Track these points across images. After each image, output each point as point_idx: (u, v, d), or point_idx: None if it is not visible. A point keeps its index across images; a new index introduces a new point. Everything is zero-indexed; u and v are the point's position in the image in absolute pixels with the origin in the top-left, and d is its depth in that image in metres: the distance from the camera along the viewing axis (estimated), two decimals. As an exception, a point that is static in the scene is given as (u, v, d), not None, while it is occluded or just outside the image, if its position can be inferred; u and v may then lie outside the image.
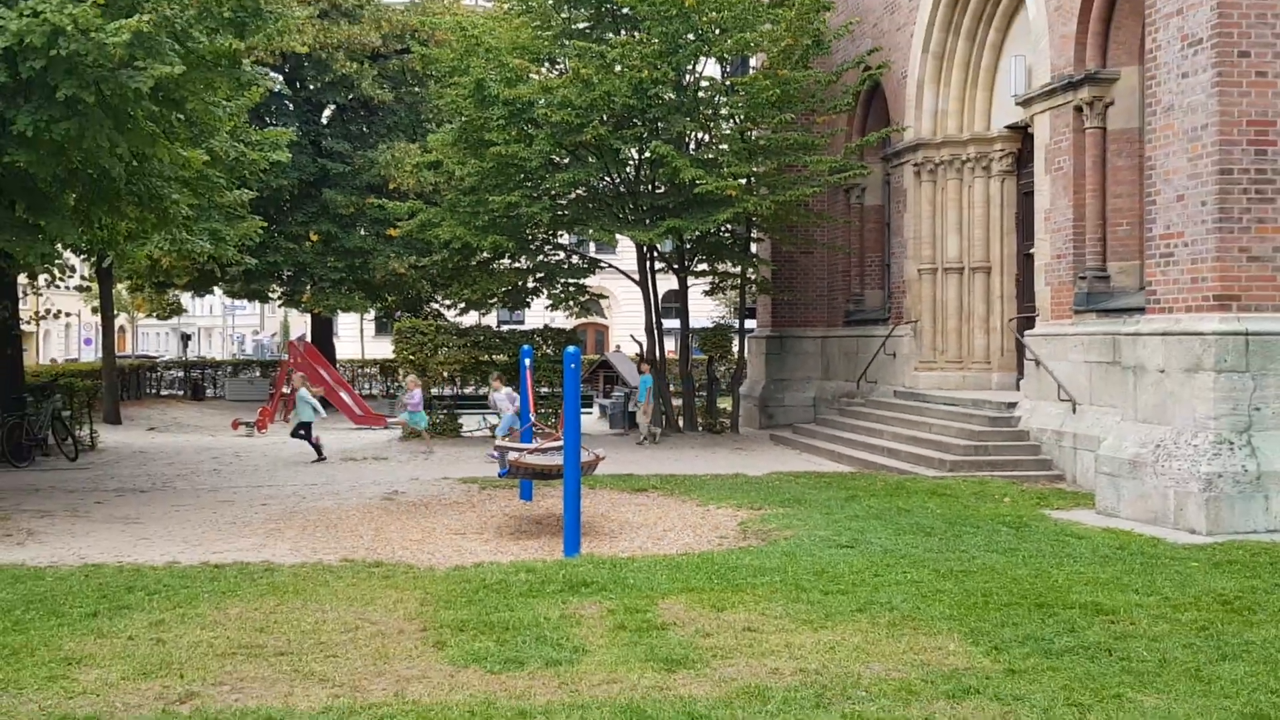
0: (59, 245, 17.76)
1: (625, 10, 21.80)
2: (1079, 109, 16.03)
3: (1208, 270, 12.17)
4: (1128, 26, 15.65)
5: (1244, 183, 12.06)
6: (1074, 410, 15.70)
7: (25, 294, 30.91)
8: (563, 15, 22.50)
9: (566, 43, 21.79)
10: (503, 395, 19.61)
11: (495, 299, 26.04)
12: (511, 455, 12.76)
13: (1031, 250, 18.03)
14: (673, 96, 20.90)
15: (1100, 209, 15.95)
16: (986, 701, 6.25)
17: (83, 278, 33.33)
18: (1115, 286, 15.79)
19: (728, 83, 22.02)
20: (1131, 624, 7.81)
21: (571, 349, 11.54)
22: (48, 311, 32.76)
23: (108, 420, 28.39)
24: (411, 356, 23.68)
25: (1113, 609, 8.18)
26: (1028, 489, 14.66)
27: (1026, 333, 17.65)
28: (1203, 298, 12.24)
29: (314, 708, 6.17)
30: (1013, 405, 17.43)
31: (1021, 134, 19.15)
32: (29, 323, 35.14)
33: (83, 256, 27.82)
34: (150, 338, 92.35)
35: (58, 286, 31.37)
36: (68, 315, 46.04)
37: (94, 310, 36.33)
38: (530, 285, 25.05)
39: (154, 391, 40.40)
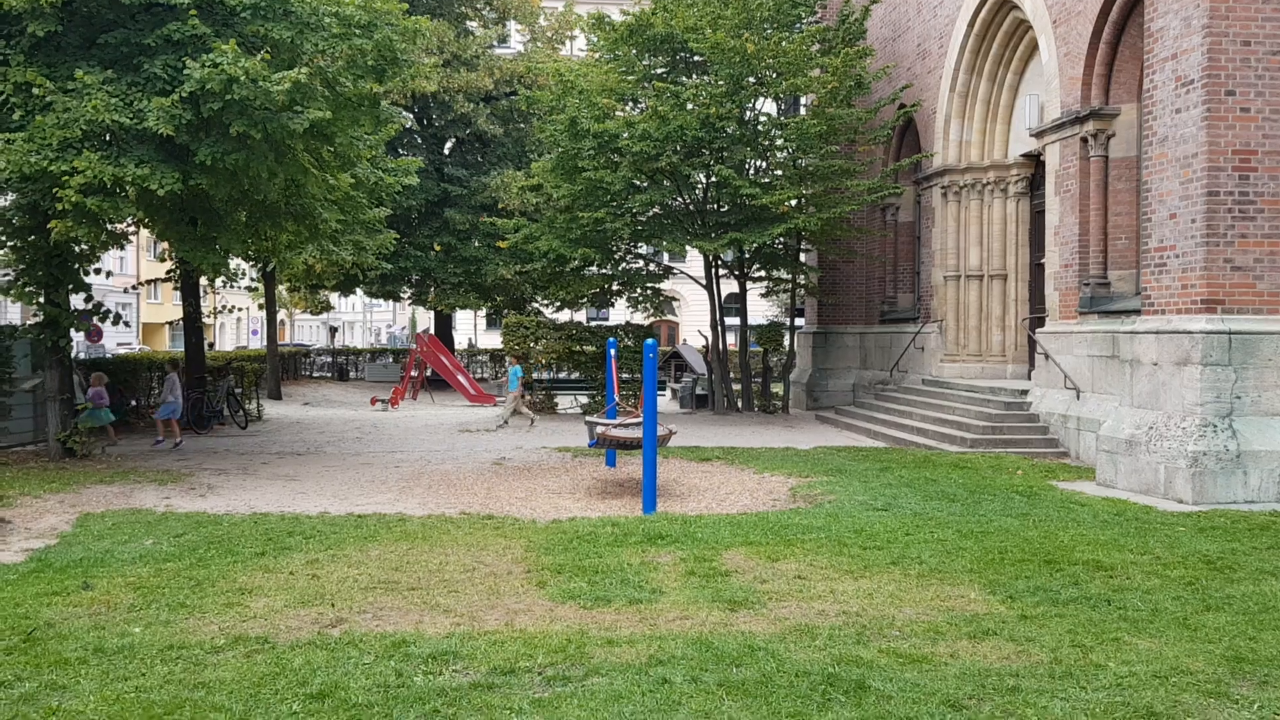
0: (229, 255, 18.16)
1: (697, 58, 21.75)
2: (1085, 140, 15.66)
3: (1196, 278, 11.84)
4: (1128, 69, 15.26)
5: (1229, 203, 11.73)
6: (1078, 397, 15.36)
7: (206, 293, 31.65)
8: (643, 62, 22.46)
9: (646, 85, 21.75)
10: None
11: (585, 299, 26.12)
12: (599, 429, 12.80)
13: (1042, 260, 17.65)
14: (735, 130, 20.77)
15: (1103, 225, 15.60)
16: (1003, 642, 6.15)
17: (251, 279, 34.01)
18: (1115, 291, 15.42)
19: (782, 119, 21.82)
20: (1127, 579, 7.64)
21: (650, 341, 11.53)
22: (224, 307, 33.45)
23: (271, 396, 28.98)
24: (516, 346, 23.86)
25: (1111, 566, 8.00)
26: (1037, 463, 14.37)
27: (1037, 331, 17.28)
28: (1191, 301, 11.91)
29: (440, 633, 6.25)
30: (1025, 392, 17.08)
31: (1034, 161, 18.80)
32: (209, 316, 35.97)
33: (251, 262, 28.40)
34: (304, 330, 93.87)
35: (231, 287, 32.05)
36: (239, 310, 47.03)
37: (260, 306, 36.98)
38: (614, 289, 25.09)
39: (307, 373, 41.13)
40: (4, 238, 14.82)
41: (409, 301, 40.46)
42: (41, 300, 14.86)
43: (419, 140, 34.96)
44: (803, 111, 24.40)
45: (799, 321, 26.45)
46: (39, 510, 10.88)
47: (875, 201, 22.00)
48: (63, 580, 7.63)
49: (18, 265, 14.88)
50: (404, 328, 76.97)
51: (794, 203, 20.30)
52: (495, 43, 35.07)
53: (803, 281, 23.66)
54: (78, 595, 7.12)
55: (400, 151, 32.88)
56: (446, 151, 35.46)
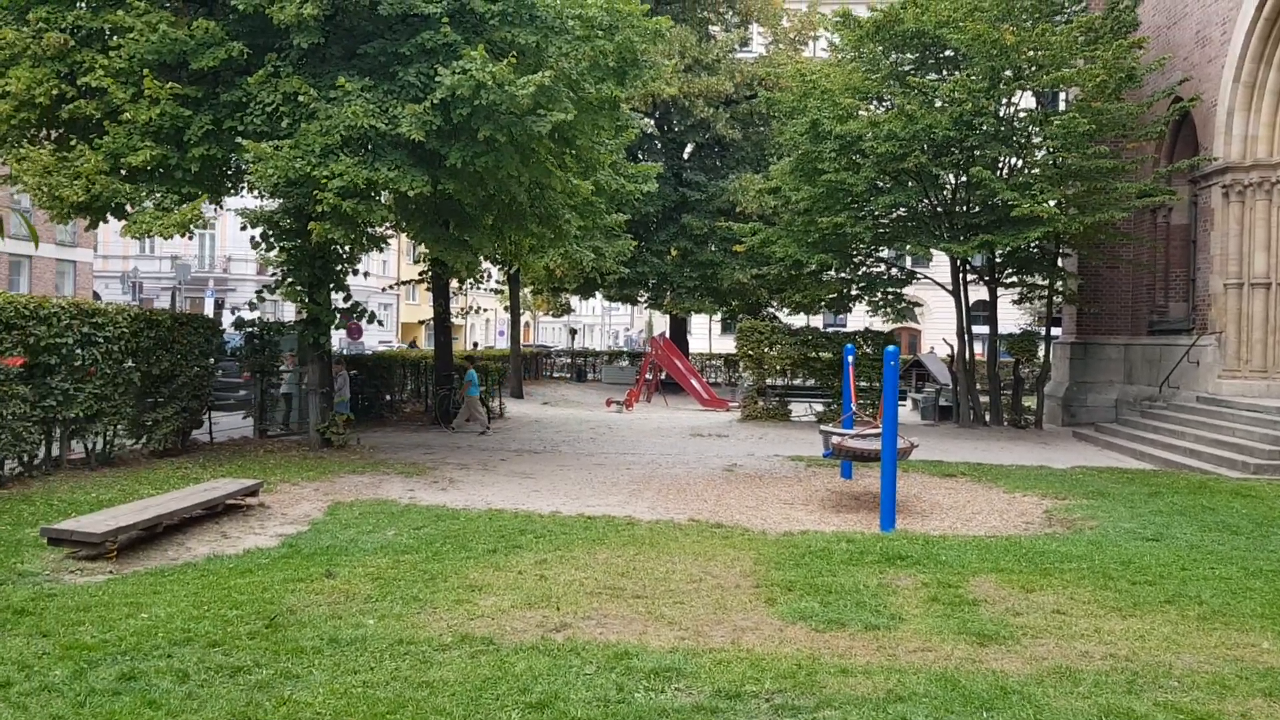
0: (480, 256, 18.81)
1: (947, 53, 20.71)
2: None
3: None
4: None
5: None
6: (1390, 421, 13.43)
7: (455, 295, 33.15)
8: (890, 59, 21.60)
9: (893, 83, 20.89)
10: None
11: (822, 304, 25.47)
12: (835, 439, 12.25)
13: (1345, 266, 15.60)
14: (990, 127, 19.60)
15: None
16: (1309, 705, 5.25)
17: (497, 281, 35.42)
18: None
19: (1043, 115, 20.40)
20: None
21: (891, 348, 10.91)
22: (472, 308, 34.97)
23: (513, 395, 29.98)
24: (750, 351, 23.52)
25: None
26: (1337, 495, 12.65)
27: (1338, 345, 15.27)
28: None
29: (663, 647, 5.99)
30: (1321, 414, 15.15)
31: (1336, 155, 16.64)
32: (458, 316, 37.71)
33: (498, 265, 29.51)
34: (546, 331, 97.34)
35: (478, 288, 33.47)
36: (487, 311, 49.12)
37: (505, 308, 38.47)
38: (853, 293, 24.31)
39: (548, 373, 42.47)
40: (274, 239, 15.91)
41: (645, 305, 40.93)
42: (305, 299, 15.83)
43: (658, 145, 35.29)
44: (1060, 106, 22.84)
45: (1054, 331, 24.72)
46: (296, 497, 11.50)
47: (1146, 204, 20.20)
48: (308, 567, 7.93)
49: (285, 266, 15.93)
50: (640, 331, 78.30)
51: (1053, 204, 18.89)
52: (737, 46, 34.92)
53: (1060, 288, 22.04)
54: (320, 583, 7.35)
55: (640, 157, 33.28)
56: (685, 156, 35.61)
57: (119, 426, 13.52)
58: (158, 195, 13.84)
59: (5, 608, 6.60)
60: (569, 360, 45.06)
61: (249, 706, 4.92)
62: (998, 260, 22.12)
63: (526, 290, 42.02)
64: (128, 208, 14.55)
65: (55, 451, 12.58)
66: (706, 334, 58.67)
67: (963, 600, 7.14)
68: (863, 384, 21.85)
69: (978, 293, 25.07)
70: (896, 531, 9.95)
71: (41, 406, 11.85)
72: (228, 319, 20.64)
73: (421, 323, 62.72)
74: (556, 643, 6.03)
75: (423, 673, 5.45)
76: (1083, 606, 7.09)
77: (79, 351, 12.38)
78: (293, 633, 6.10)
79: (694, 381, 30.81)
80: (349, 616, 6.49)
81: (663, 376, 31.92)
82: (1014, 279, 23.24)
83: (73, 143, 13.94)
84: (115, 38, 13.61)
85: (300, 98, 13.09)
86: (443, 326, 23.95)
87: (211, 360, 15.99)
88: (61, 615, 6.46)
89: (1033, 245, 20.79)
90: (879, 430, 12.17)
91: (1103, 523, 10.44)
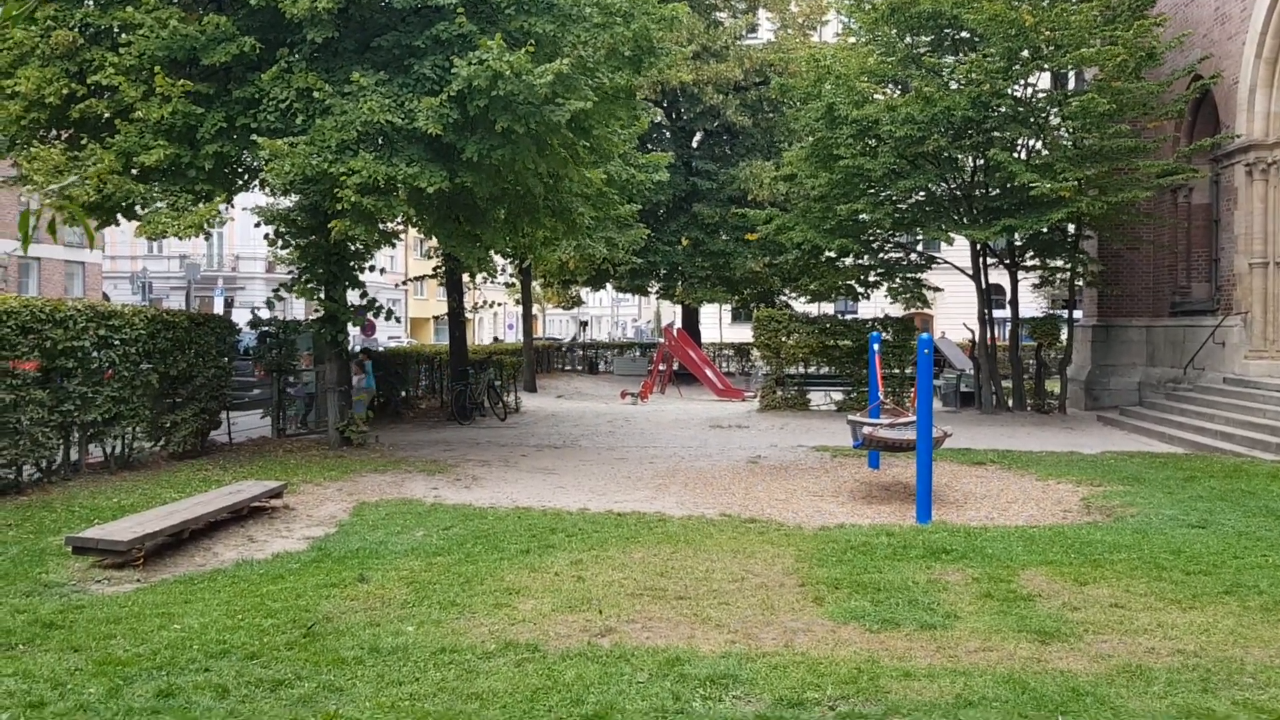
0: (492, 250, 18.59)
1: (964, 34, 20.39)
2: None
3: None
4: None
5: None
6: None
7: (466, 289, 32.97)
8: (905, 41, 21.29)
9: (909, 66, 20.59)
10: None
11: (839, 291, 25.20)
12: (865, 429, 12.02)
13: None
14: (1008, 108, 19.30)
15: None
16: (1395, 703, 5.03)
17: (509, 275, 35.19)
18: None
19: (1063, 96, 20.09)
20: None
21: (924, 336, 10.66)
22: (483, 302, 34.75)
23: (527, 389, 29.77)
24: (768, 340, 23.27)
25: None
26: (1377, 477, 12.39)
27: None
28: None
29: (714, 651, 5.78)
30: (1354, 394, 14.88)
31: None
32: (470, 311, 37.52)
33: (509, 259, 29.29)
34: (554, 324, 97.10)
35: (490, 282, 33.22)
36: (497, 306, 48.90)
37: (516, 301, 38.26)
38: (871, 279, 24.03)
39: (560, 366, 42.24)
40: (289, 237, 15.70)
41: (656, 295, 40.66)
42: (321, 296, 15.63)
43: (668, 134, 34.99)
44: (1072, 84, 22.50)
45: (1075, 314, 24.44)
46: (320, 498, 11.31)
47: (1167, 184, 19.89)
48: (340, 571, 7.74)
49: (300, 263, 15.73)
50: (649, 322, 78.08)
51: (1075, 184, 18.59)
52: (745, 32, 34.58)
53: (1081, 271, 21.73)
54: (354, 588, 7.16)
55: (649, 147, 32.99)
56: (695, 145, 35.32)
57: (138, 429, 13.34)
58: (171, 194, 13.63)
59: (34, 621, 6.42)
60: (580, 353, 44.83)
61: (294, 724, 4.73)
62: (1018, 244, 21.83)
63: (536, 283, 41.83)
64: (138, 208, 14.36)
65: (74, 456, 12.40)
66: (717, 323, 58.40)
67: (1016, 595, 6.92)
68: (884, 371, 21.62)
69: (996, 277, 24.79)
70: (934, 523, 9.73)
71: (59, 411, 11.67)
72: (238, 318, 20.46)
73: (434, 318, 62.55)
74: (604, 649, 5.83)
75: (469, 683, 5.25)
76: (1140, 599, 6.87)
77: (96, 354, 12.19)
78: (331, 642, 5.90)
79: (708, 372, 30.59)
80: (387, 623, 6.30)
81: (675, 367, 31.69)
82: (1035, 262, 22.97)
83: (84, 142, 13.74)
84: (124, 35, 13.37)
85: (315, 93, 12.87)
86: (456, 321, 23.77)
87: (227, 360, 15.81)
88: (92, 628, 6.28)
89: (1054, 228, 20.51)
90: (909, 419, 11.95)
91: (1143, 510, 10.21)
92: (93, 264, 45.35)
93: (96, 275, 45.94)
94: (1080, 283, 22.66)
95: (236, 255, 54.29)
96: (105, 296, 43.84)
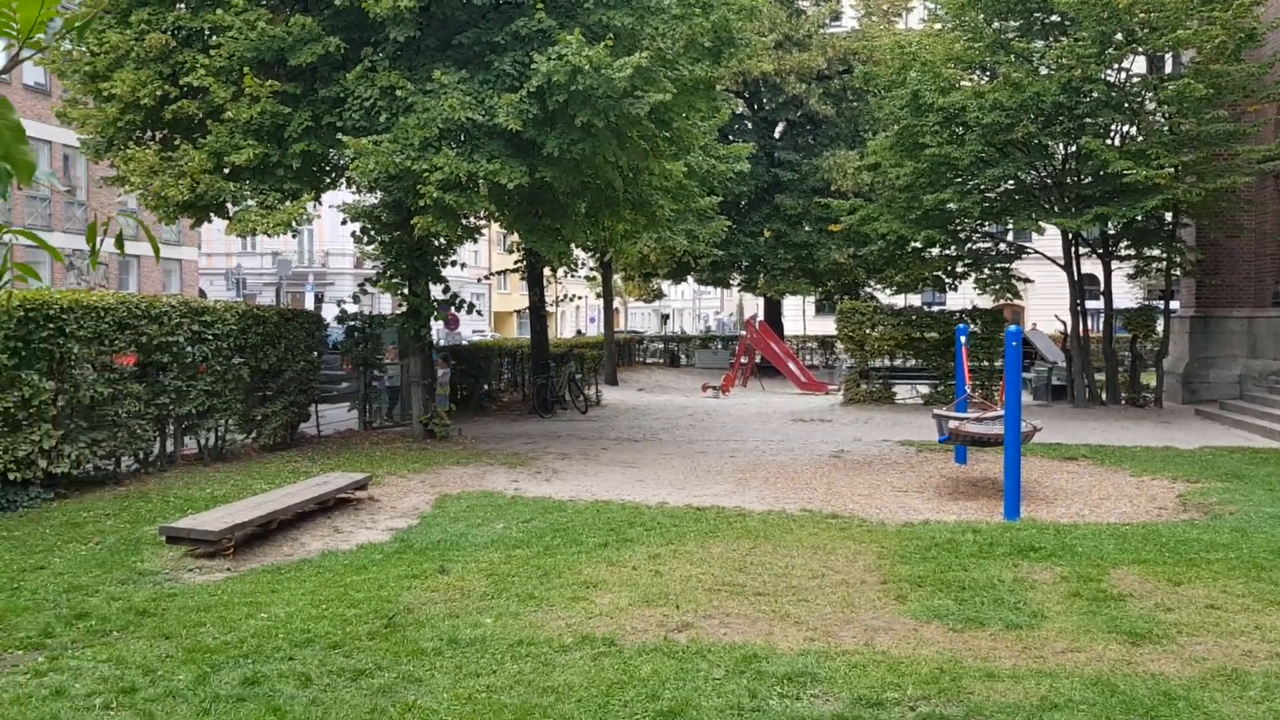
0: (573, 244, 18.69)
1: (1054, 17, 19.83)
2: None
3: None
4: None
5: None
6: None
7: (548, 282, 33.24)
8: (993, 26, 20.79)
9: (997, 51, 20.09)
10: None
11: (925, 282, 24.75)
12: (952, 424, 11.77)
13: None
14: (1100, 94, 18.71)
15: None
16: None
17: (590, 269, 35.35)
18: None
19: (1158, 80, 19.40)
20: None
21: (1013, 328, 10.39)
22: (564, 296, 35.03)
23: (608, 382, 29.90)
24: (852, 333, 22.98)
25: None
26: None
27: None
28: None
29: (793, 649, 5.71)
30: None
31: None
32: (551, 305, 37.82)
33: (590, 252, 29.43)
34: (636, 317, 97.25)
35: (571, 276, 33.44)
36: (578, 299, 49.23)
37: (597, 295, 38.48)
38: (958, 270, 23.56)
39: (641, 359, 42.31)
40: (374, 233, 15.98)
41: (738, 288, 40.45)
42: (405, 291, 15.88)
43: (749, 125, 34.74)
44: (1169, 68, 21.71)
45: (1173, 305, 23.63)
46: (403, 490, 11.50)
47: (1270, 169, 19.09)
48: (421, 563, 7.84)
49: (385, 259, 15.99)
50: (731, 314, 77.73)
51: (1171, 171, 17.95)
52: (827, 20, 34.15)
53: (1179, 260, 20.99)
54: (435, 579, 7.25)
55: (731, 138, 32.80)
56: (777, 135, 35.02)
57: (230, 422, 13.73)
58: (261, 193, 13.98)
59: (128, 609, 6.64)
60: (661, 346, 44.83)
61: (373, 714, 4.79)
62: (1112, 233, 21.18)
63: (617, 277, 41.95)
64: (229, 206, 14.75)
65: (169, 448, 12.83)
66: (800, 315, 57.88)
67: (1106, 595, 6.70)
68: (971, 364, 21.18)
69: (1088, 267, 24.09)
70: (1022, 520, 9.48)
71: (155, 404, 12.07)
72: (327, 312, 20.91)
73: (516, 312, 63.24)
74: (680, 644, 5.80)
75: (546, 676, 5.27)
76: (1238, 600, 6.60)
77: (190, 349, 12.57)
78: (411, 633, 5.98)
79: (791, 365, 30.33)
80: (466, 615, 6.36)
81: (758, 360, 31.49)
82: (1129, 252, 22.26)
83: (176, 143, 14.16)
84: (215, 37, 13.76)
85: (398, 92, 13.06)
86: (538, 315, 23.95)
87: (316, 354, 16.17)
88: (182, 616, 6.46)
89: (1149, 216, 19.84)
90: (996, 413, 11.68)
91: (1243, 507, 9.82)
92: (189, 261, 46.76)
93: (193, 272, 47.36)
94: (1178, 272, 21.89)
95: (326, 251, 55.52)
96: (201, 293, 45.23)
